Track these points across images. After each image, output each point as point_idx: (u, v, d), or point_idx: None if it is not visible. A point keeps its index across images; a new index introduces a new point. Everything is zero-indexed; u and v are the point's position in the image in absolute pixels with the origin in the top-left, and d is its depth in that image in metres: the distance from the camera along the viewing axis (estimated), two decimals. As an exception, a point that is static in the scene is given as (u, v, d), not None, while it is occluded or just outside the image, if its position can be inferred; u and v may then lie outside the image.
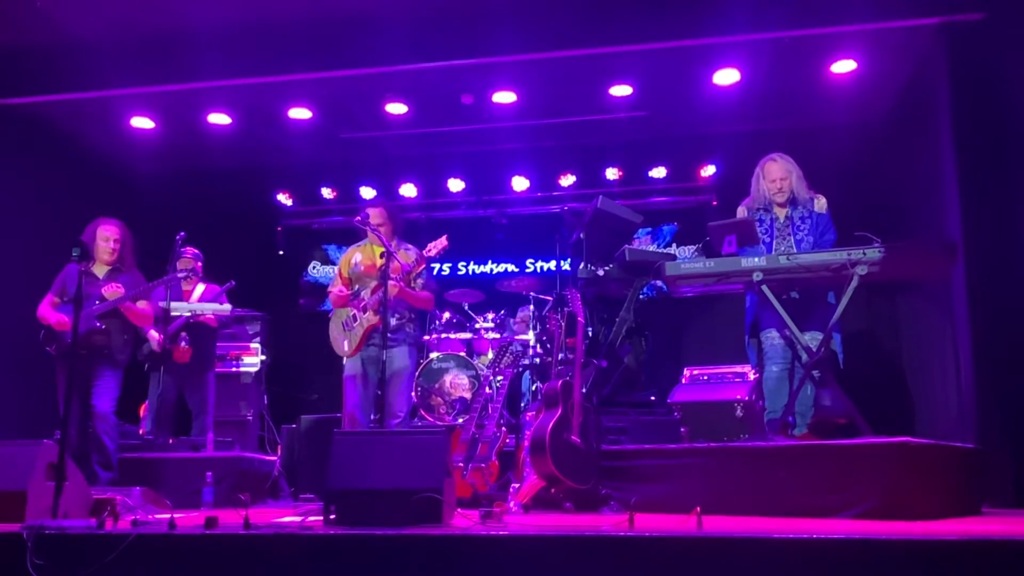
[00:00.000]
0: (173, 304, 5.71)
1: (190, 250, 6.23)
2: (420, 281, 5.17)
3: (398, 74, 6.17)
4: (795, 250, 4.55)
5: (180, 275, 5.61)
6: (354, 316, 5.09)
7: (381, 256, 4.97)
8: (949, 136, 5.26)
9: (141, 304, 5.18)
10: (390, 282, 4.82)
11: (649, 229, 8.44)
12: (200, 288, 6.25)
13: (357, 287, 5.21)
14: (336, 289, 5.26)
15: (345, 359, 5.21)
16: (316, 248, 9.18)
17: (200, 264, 6.31)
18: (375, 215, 5.17)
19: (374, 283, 5.06)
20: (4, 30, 5.92)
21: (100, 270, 5.18)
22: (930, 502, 3.48)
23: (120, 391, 5.17)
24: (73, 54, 5.97)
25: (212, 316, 6.09)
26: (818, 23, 5.50)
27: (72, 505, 3.62)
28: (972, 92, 5.16)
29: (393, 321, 5.01)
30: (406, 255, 5.10)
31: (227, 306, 6.11)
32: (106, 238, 5.17)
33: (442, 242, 5.02)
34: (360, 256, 5.27)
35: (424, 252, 5.03)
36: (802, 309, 4.51)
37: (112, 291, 5.00)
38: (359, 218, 5.09)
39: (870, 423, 4.11)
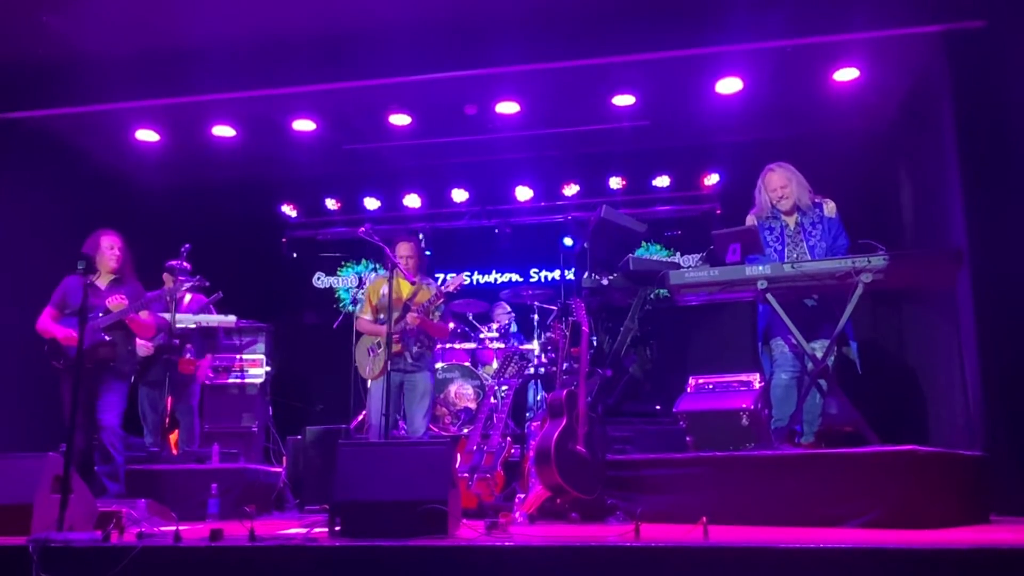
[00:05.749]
0: (179, 316, 5.72)
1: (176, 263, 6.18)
2: (438, 313, 5.52)
3: (401, 85, 6.18)
4: (808, 256, 4.54)
5: (186, 284, 5.61)
6: (379, 344, 5.42)
7: (394, 276, 5.26)
8: (953, 143, 5.25)
9: (143, 314, 5.21)
10: (411, 314, 5.31)
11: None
12: (187, 299, 6.19)
13: (382, 316, 5.46)
14: (365, 318, 5.63)
15: (370, 381, 5.61)
16: (320, 259, 9.18)
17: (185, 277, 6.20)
18: (406, 248, 5.58)
19: (397, 315, 5.37)
20: (9, 45, 5.94)
21: (103, 280, 5.21)
22: (938, 511, 3.47)
23: (126, 403, 5.19)
24: (78, 68, 6.00)
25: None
26: (820, 31, 5.50)
27: (77, 518, 3.62)
28: (975, 99, 5.16)
29: (416, 348, 5.41)
30: (428, 289, 5.45)
31: (232, 318, 6.12)
32: (110, 246, 5.23)
33: (459, 279, 5.38)
34: (387, 289, 5.48)
35: (443, 288, 5.39)
36: (818, 317, 4.50)
37: (116, 303, 5.04)
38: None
39: (877, 431, 4.10)
